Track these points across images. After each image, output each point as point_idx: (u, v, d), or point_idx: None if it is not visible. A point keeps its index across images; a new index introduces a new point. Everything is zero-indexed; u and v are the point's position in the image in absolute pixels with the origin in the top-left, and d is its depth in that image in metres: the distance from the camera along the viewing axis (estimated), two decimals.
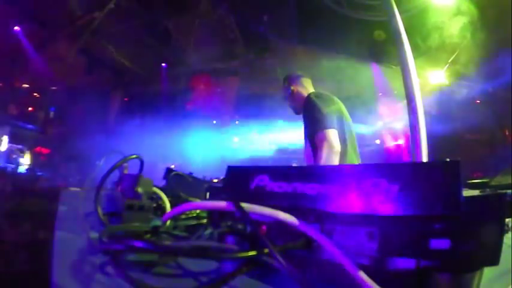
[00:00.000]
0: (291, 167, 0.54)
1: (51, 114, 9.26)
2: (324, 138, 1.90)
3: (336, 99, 2.14)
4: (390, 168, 0.42)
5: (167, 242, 0.52)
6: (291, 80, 2.31)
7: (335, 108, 2.05)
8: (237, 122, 9.89)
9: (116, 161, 0.75)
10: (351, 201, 0.42)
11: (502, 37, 5.51)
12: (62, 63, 7.56)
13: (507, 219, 0.55)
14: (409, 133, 3.05)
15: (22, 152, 8.30)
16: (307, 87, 2.28)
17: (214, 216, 0.56)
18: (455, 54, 6.59)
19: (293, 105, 2.29)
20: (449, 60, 6.87)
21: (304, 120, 2.09)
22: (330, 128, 1.93)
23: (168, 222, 0.60)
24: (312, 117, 1.97)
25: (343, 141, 1.99)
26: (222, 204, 0.48)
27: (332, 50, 6.82)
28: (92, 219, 0.63)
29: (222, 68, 8.73)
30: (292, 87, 2.26)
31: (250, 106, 8.69)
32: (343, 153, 1.98)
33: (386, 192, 0.38)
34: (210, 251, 0.46)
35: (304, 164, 2.28)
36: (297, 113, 2.30)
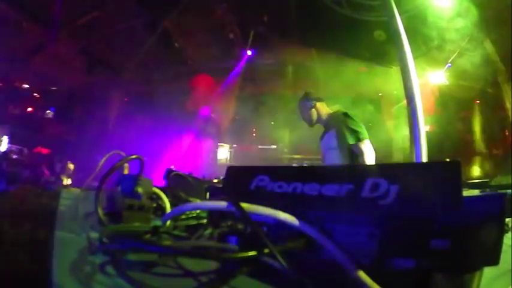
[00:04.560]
0: (291, 167, 0.54)
1: (51, 114, 9.25)
2: (368, 146, 2.36)
3: None
4: (390, 168, 0.42)
5: (167, 242, 0.52)
6: (312, 97, 2.68)
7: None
8: (237, 121, 9.89)
9: (116, 161, 0.74)
10: (351, 201, 0.42)
11: (502, 37, 5.51)
12: (62, 63, 7.56)
13: (507, 219, 0.55)
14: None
15: (22, 152, 8.30)
16: (325, 106, 2.69)
17: (214, 216, 0.56)
18: (455, 54, 6.59)
19: (309, 118, 2.66)
20: (450, 60, 6.87)
21: (337, 132, 2.45)
22: (368, 138, 2.40)
23: (168, 222, 0.60)
24: (352, 129, 2.39)
25: None
26: (222, 204, 0.48)
27: (332, 50, 6.82)
28: (92, 219, 0.63)
29: (222, 68, 8.72)
30: (312, 103, 2.64)
31: (250, 106, 8.69)
32: None
33: (387, 192, 0.38)
34: (210, 251, 0.46)
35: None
36: (310, 125, 2.71)
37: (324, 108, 2.67)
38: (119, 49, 7.82)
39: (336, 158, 2.45)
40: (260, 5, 6.89)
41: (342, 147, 2.41)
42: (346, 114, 2.49)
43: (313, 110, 2.65)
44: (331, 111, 2.66)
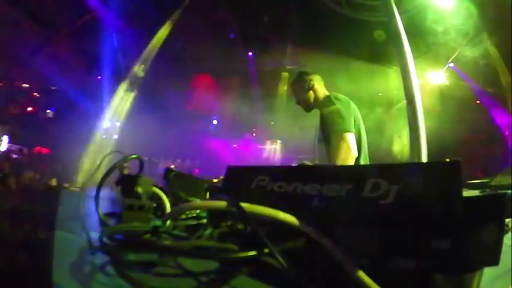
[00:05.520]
0: (291, 167, 0.54)
1: (51, 114, 9.25)
2: (344, 141, 1.90)
3: (351, 102, 2.12)
4: (390, 168, 0.42)
5: (167, 242, 0.51)
6: (306, 76, 2.26)
7: (352, 111, 2.06)
8: (237, 121, 9.90)
9: (116, 161, 0.74)
10: (351, 201, 0.42)
11: (502, 36, 5.51)
12: (62, 63, 7.56)
13: (507, 219, 0.55)
14: None
15: (22, 152, 8.30)
16: (321, 86, 2.27)
17: (214, 216, 0.56)
18: (455, 54, 6.60)
19: (306, 102, 2.26)
20: (450, 60, 6.87)
21: (322, 120, 2.07)
22: (350, 131, 1.94)
23: (168, 222, 0.60)
24: (333, 118, 1.97)
25: (358, 146, 1.99)
26: (222, 204, 0.48)
27: (332, 50, 6.82)
28: (92, 219, 0.63)
29: (222, 68, 8.73)
30: (309, 84, 2.23)
31: (251, 106, 8.70)
32: (357, 158, 1.98)
33: (387, 192, 0.38)
34: (210, 251, 0.46)
35: (314, 162, 2.24)
36: (307, 110, 2.30)
37: (322, 89, 2.25)
38: (120, 49, 7.82)
39: (322, 152, 2.08)
40: (260, 5, 6.89)
41: (326, 140, 2.03)
42: (329, 98, 2.05)
43: (311, 92, 2.23)
44: (328, 94, 2.22)
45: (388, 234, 0.37)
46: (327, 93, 2.25)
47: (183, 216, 0.67)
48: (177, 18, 7.15)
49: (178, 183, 0.95)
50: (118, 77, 8.58)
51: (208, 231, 0.53)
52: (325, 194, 0.44)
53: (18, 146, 8.26)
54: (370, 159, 2.19)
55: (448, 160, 0.37)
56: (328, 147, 2.00)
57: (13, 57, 7.05)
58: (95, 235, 0.51)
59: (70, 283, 0.39)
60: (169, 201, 0.76)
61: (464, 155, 6.98)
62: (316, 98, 2.23)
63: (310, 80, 2.24)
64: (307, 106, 2.28)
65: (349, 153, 1.90)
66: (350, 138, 1.93)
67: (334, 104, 2.00)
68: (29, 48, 7.16)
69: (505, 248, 0.35)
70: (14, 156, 8.11)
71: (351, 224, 0.40)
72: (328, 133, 1.99)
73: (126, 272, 0.37)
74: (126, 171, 0.80)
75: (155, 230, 0.54)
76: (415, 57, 3.59)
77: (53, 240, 0.54)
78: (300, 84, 2.27)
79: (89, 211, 0.66)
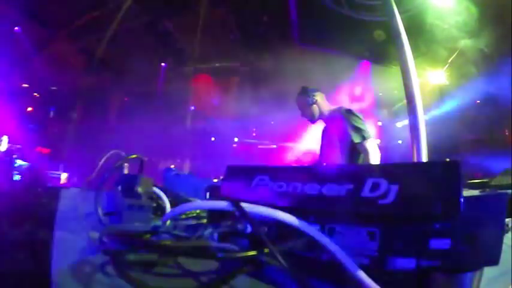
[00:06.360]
0: (291, 167, 0.54)
1: (51, 114, 9.24)
2: (373, 145, 2.29)
3: None
4: (390, 168, 0.42)
5: (167, 242, 0.51)
6: (311, 92, 2.54)
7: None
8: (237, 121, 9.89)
9: (116, 161, 0.74)
10: (351, 201, 0.42)
11: (502, 36, 5.51)
12: (62, 63, 7.56)
13: (507, 219, 0.55)
14: None
15: (22, 152, 8.29)
16: (323, 100, 2.56)
17: (214, 216, 0.56)
18: (455, 54, 6.59)
19: (311, 115, 2.53)
20: (449, 60, 6.87)
21: (340, 129, 2.36)
22: (372, 136, 2.33)
23: (168, 222, 0.60)
24: (357, 127, 2.31)
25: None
26: (222, 204, 0.48)
27: (332, 50, 6.81)
28: (92, 219, 0.63)
29: (222, 68, 8.72)
30: (313, 99, 2.51)
31: (251, 106, 8.69)
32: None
33: (387, 192, 0.38)
34: (210, 251, 0.46)
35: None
36: (312, 122, 2.59)
37: (324, 103, 2.55)
38: (120, 49, 7.82)
39: (337, 156, 2.38)
40: (260, 4, 6.89)
41: (344, 146, 2.34)
42: (349, 111, 2.38)
43: (315, 106, 2.51)
44: (333, 107, 2.54)
45: (388, 234, 0.37)
46: (331, 106, 2.54)
47: (183, 216, 0.67)
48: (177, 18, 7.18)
49: (178, 183, 0.95)
50: (118, 76, 8.59)
51: (208, 231, 0.53)
52: (325, 194, 0.44)
53: (18, 146, 8.25)
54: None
55: (448, 160, 0.37)
56: (345, 152, 2.34)
57: (13, 56, 7.04)
58: (95, 235, 0.51)
59: (70, 283, 0.39)
60: (169, 201, 0.76)
61: (464, 154, 6.97)
62: (320, 111, 2.52)
63: (314, 95, 2.51)
64: (312, 118, 2.55)
65: (378, 154, 2.30)
66: (374, 142, 2.32)
67: (357, 115, 2.35)
68: (29, 48, 7.15)
69: (505, 248, 0.35)
70: (14, 156, 8.10)
71: (350, 224, 0.40)
72: (353, 139, 2.29)
73: (126, 272, 0.37)
74: (126, 171, 0.80)
75: (155, 230, 0.54)
76: (415, 57, 3.59)
77: (53, 240, 0.54)
78: (305, 99, 2.53)
79: (89, 211, 0.66)
